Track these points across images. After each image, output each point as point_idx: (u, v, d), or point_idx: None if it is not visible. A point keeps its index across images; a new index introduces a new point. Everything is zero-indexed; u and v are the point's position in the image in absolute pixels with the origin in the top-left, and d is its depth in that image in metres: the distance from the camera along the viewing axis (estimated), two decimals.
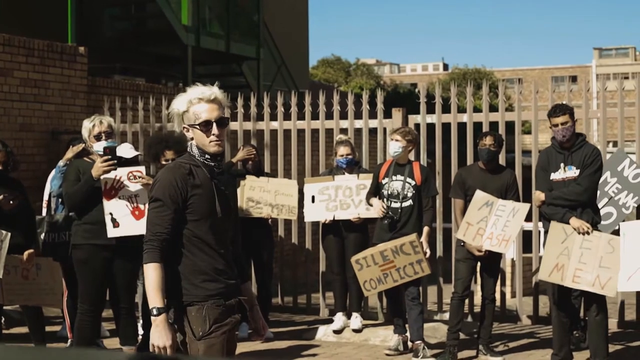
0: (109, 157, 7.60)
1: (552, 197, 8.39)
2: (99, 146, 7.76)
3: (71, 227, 8.10)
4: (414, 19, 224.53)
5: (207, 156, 4.75)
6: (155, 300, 4.51)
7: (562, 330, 8.53)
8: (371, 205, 9.56)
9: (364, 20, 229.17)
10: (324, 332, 10.28)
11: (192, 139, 4.76)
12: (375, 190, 9.56)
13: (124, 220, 7.78)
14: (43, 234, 9.66)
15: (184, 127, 4.76)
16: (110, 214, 7.78)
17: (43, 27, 15.52)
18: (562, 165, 8.41)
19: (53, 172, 10.16)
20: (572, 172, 8.37)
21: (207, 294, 4.67)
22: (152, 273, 4.57)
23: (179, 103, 4.75)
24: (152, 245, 4.59)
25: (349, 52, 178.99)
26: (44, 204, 10.14)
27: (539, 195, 8.52)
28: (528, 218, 9.40)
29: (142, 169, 7.98)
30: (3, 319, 9.51)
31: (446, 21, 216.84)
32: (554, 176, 8.45)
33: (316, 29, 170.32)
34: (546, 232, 8.69)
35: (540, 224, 10.81)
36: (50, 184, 10.04)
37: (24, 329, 9.61)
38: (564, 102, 9.11)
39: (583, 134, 8.67)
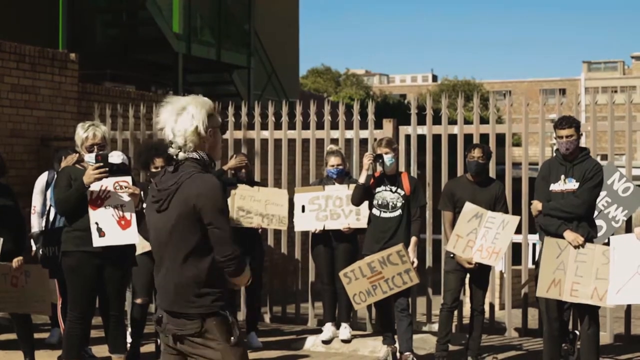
0: (101, 164, 7.59)
1: (549, 207, 8.40)
2: (90, 157, 7.74)
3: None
4: (404, 30, 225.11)
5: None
6: None
7: (552, 342, 8.53)
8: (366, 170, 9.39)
9: (353, 31, 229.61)
10: (312, 342, 10.26)
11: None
12: (364, 195, 9.45)
13: (110, 229, 7.76)
14: (41, 249, 9.66)
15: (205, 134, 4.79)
16: (96, 223, 7.75)
17: (34, 33, 15.53)
18: (562, 176, 8.42)
19: (44, 180, 10.10)
20: (572, 184, 8.38)
21: (229, 301, 4.86)
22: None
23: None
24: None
25: (339, 62, 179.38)
26: (33, 210, 10.10)
27: (536, 205, 8.52)
28: (517, 230, 9.42)
29: (129, 179, 7.95)
30: None
31: (435, 33, 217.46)
32: (553, 187, 8.46)
33: (306, 38, 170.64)
34: (539, 243, 8.69)
35: (530, 237, 10.86)
36: (47, 195, 9.98)
37: (12, 336, 9.57)
38: (572, 115, 9.11)
39: (587, 148, 8.69)
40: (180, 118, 4.72)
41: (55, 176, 9.25)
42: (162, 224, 4.75)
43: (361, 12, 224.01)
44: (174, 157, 4.78)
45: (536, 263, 9.05)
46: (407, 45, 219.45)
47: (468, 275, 9.36)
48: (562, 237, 8.33)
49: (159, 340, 9.56)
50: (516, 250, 10.89)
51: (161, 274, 4.78)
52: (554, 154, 8.68)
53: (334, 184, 10.24)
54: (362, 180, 9.38)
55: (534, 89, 75.12)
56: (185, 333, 4.67)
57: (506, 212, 9.28)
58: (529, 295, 10.69)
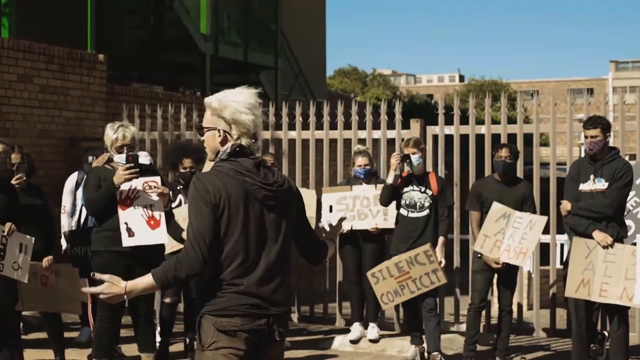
0: (131, 165, 7.64)
1: (578, 207, 8.38)
2: (120, 158, 7.78)
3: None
4: (430, 30, 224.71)
5: None
6: None
7: (581, 343, 8.51)
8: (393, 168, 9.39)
9: (380, 31, 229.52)
10: (340, 342, 10.29)
11: None
12: (392, 195, 9.46)
13: (139, 229, 7.81)
14: (71, 248, 9.76)
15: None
16: (126, 223, 7.81)
17: (63, 35, 15.61)
18: (591, 176, 8.40)
19: (74, 180, 10.19)
20: (601, 184, 8.35)
21: None
22: None
23: None
24: None
25: (366, 62, 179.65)
26: (63, 210, 10.19)
27: (565, 205, 8.51)
28: (545, 230, 9.39)
29: (158, 179, 8.00)
30: (22, 324, 9.55)
31: (462, 32, 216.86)
32: (583, 187, 8.43)
33: (333, 38, 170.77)
34: (567, 243, 8.67)
35: (558, 237, 10.82)
36: (76, 195, 10.08)
37: (42, 335, 9.65)
38: (600, 115, 9.06)
39: (616, 148, 8.67)
40: (257, 112, 4.54)
41: (85, 176, 9.34)
42: (277, 220, 4.53)
43: (387, 12, 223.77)
44: (252, 151, 4.53)
45: (564, 263, 9.02)
46: (433, 45, 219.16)
47: (496, 276, 9.35)
48: (591, 237, 8.31)
49: (187, 340, 9.62)
50: (544, 251, 10.85)
51: (279, 275, 4.52)
52: (584, 154, 8.66)
53: (361, 184, 10.25)
54: (389, 180, 9.39)
55: (561, 89, 74.70)
56: (287, 331, 4.65)
57: (534, 212, 9.26)
58: (557, 296, 10.66)
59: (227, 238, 4.39)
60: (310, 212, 10.56)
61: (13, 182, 8.42)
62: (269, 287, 4.46)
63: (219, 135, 4.50)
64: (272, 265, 4.48)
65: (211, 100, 4.53)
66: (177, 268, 4.32)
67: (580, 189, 8.44)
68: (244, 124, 4.47)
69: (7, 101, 12.33)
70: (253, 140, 4.49)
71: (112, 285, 4.35)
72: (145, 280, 4.37)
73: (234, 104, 4.48)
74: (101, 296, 4.39)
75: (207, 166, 9.30)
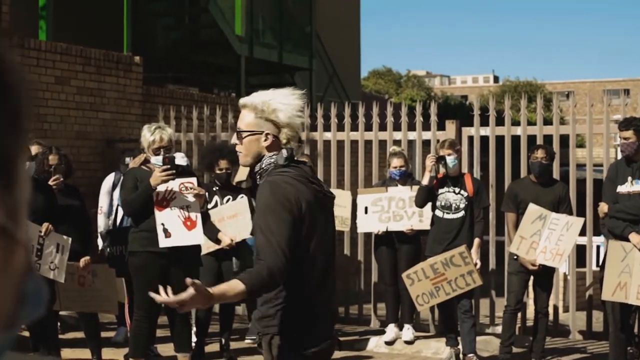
0: (168, 166, 7.67)
1: (615, 210, 8.34)
2: (157, 160, 7.82)
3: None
4: (464, 31, 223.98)
5: None
6: None
7: (618, 345, 8.46)
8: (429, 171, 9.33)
9: (414, 32, 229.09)
10: (375, 343, 10.28)
11: None
12: (427, 196, 9.45)
13: (175, 230, 7.84)
14: (108, 248, 9.83)
15: None
16: (162, 224, 7.84)
17: (99, 37, 15.72)
18: (629, 178, 8.35)
19: (111, 181, 10.24)
20: (639, 186, 8.31)
21: None
22: None
23: None
24: None
25: (400, 64, 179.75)
26: (99, 211, 10.26)
27: (603, 207, 8.47)
28: (582, 232, 9.34)
29: (194, 180, 8.03)
30: (59, 324, 9.64)
31: (496, 33, 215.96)
32: (621, 189, 8.39)
33: (367, 40, 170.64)
34: (603, 244, 8.63)
35: (594, 239, 10.76)
36: (113, 196, 10.14)
37: (79, 334, 9.72)
38: (636, 116, 9.00)
39: None
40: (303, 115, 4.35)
41: (122, 177, 9.40)
42: (333, 231, 4.39)
43: (421, 13, 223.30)
44: (295, 155, 4.23)
45: (601, 265, 8.98)
46: (467, 46, 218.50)
47: (532, 277, 9.31)
48: (628, 240, 8.26)
49: (222, 340, 9.66)
50: (580, 252, 10.79)
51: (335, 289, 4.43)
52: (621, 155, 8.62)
53: (396, 185, 10.24)
54: (425, 181, 9.38)
55: (597, 89, 74.24)
56: None
57: (570, 213, 9.22)
58: (593, 298, 10.60)
59: (304, 251, 4.13)
60: (346, 214, 10.59)
61: (51, 183, 8.52)
62: (334, 303, 4.33)
63: (265, 140, 4.16)
64: (333, 279, 4.33)
65: (255, 102, 4.19)
66: (270, 276, 3.96)
67: (617, 190, 8.39)
68: (295, 127, 4.19)
69: (45, 103, 12.43)
70: (299, 145, 4.33)
71: (198, 294, 3.93)
72: (234, 290, 4.02)
73: (286, 107, 4.17)
74: (183, 305, 4.04)
75: (243, 171, 9.34)
